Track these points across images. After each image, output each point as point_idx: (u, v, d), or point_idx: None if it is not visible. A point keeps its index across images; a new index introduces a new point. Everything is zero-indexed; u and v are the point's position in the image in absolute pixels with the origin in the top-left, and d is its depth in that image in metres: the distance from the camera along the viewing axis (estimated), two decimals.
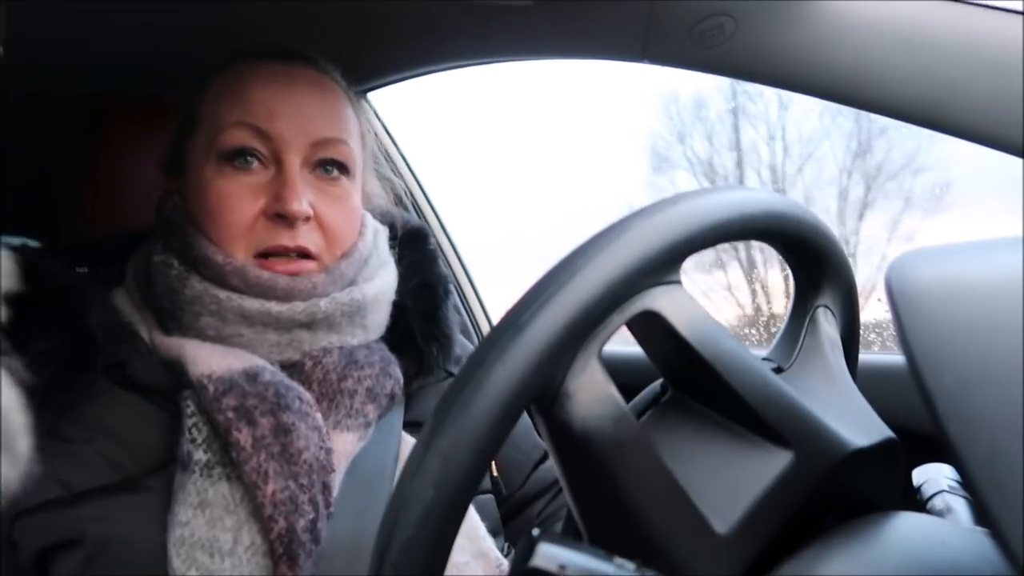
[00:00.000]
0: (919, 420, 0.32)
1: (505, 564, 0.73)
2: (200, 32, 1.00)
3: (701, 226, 0.40)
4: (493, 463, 0.86)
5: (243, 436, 0.66)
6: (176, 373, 0.71)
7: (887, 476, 0.45)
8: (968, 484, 0.27)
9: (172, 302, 0.74)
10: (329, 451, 0.69)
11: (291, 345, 0.74)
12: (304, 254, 0.75)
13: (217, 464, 0.67)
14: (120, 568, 0.64)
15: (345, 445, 0.72)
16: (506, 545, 0.81)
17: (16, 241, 1.05)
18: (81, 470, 0.66)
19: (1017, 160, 0.72)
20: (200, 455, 0.67)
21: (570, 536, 0.43)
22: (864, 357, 0.57)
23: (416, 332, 0.84)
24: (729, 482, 0.40)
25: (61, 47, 1.00)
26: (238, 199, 0.74)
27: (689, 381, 0.44)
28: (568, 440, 0.39)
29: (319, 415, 0.71)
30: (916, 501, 0.52)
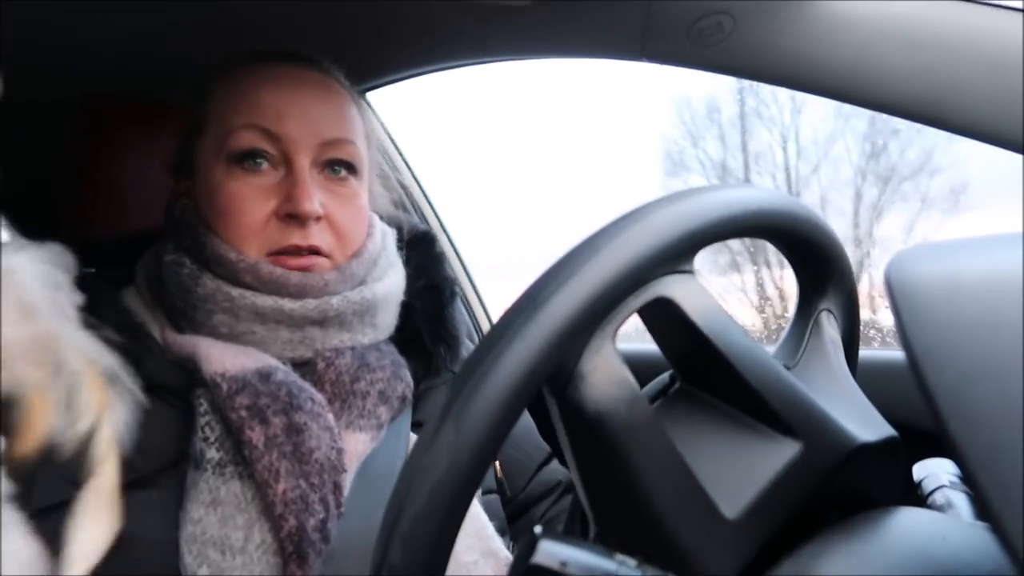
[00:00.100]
0: (919, 416, 0.32)
1: None
2: (199, 33, 1.00)
3: (718, 218, 0.41)
4: (497, 464, 0.86)
5: (255, 435, 0.67)
6: (189, 371, 0.72)
7: (889, 473, 0.46)
8: (969, 479, 0.27)
9: (184, 300, 0.75)
10: (341, 451, 0.70)
11: (303, 343, 0.75)
12: (316, 252, 0.76)
13: (229, 462, 0.67)
14: (132, 565, 0.64)
15: (357, 445, 0.72)
16: (511, 545, 0.81)
17: None
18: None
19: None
20: (213, 453, 0.67)
21: (572, 535, 0.43)
22: (864, 353, 0.57)
23: (424, 333, 0.85)
24: (738, 470, 0.40)
25: (61, 49, 1.00)
26: (249, 200, 0.75)
27: (699, 371, 0.44)
28: (580, 422, 0.40)
29: (331, 415, 0.72)
30: (917, 496, 0.52)
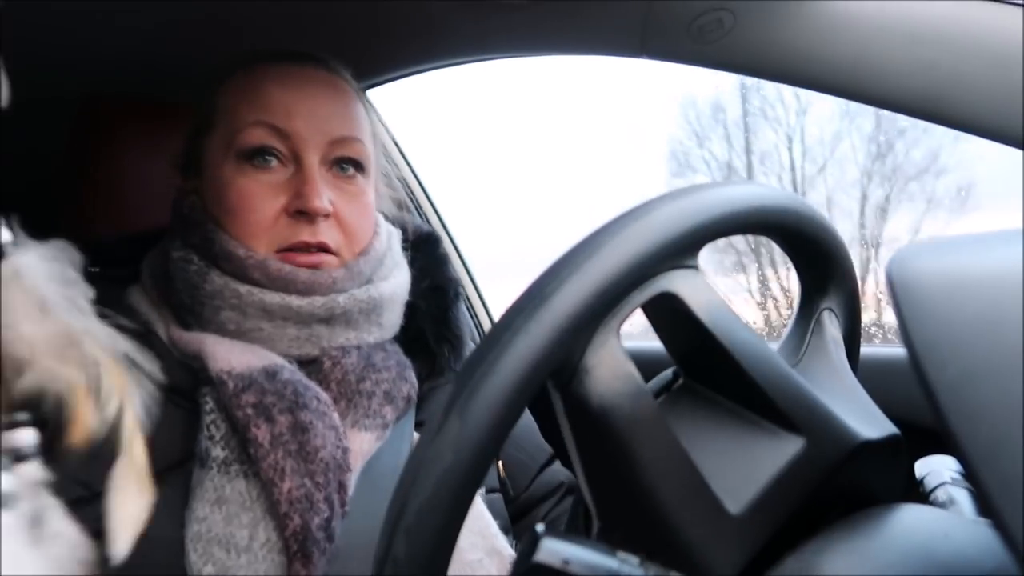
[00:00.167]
0: (921, 412, 0.32)
1: None
2: (199, 32, 1.00)
3: (721, 213, 0.41)
4: (500, 463, 0.86)
5: (261, 433, 0.67)
6: (194, 371, 0.72)
7: (892, 470, 0.46)
8: (971, 476, 0.27)
9: (192, 297, 0.75)
10: (346, 450, 0.70)
11: (310, 340, 0.75)
12: (324, 249, 0.76)
13: (235, 461, 0.68)
14: (138, 564, 0.64)
15: (362, 445, 0.73)
16: (514, 545, 0.81)
17: None
18: (101, 469, 0.67)
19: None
20: (218, 452, 0.68)
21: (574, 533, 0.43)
22: (866, 350, 0.57)
23: (428, 334, 0.85)
24: (742, 465, 0.40)
25: (61, 48, 1.00)
26: (259, 197, 0.75)
27: (702, 366, 0.44)
28: (585, 416, 0.40)
29: (336, 415, 0.72)
30: (919, 493, 0.52)
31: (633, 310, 0.40)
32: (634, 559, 0.35)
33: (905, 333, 0.31)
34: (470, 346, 0.91)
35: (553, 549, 0.34)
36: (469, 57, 1.13)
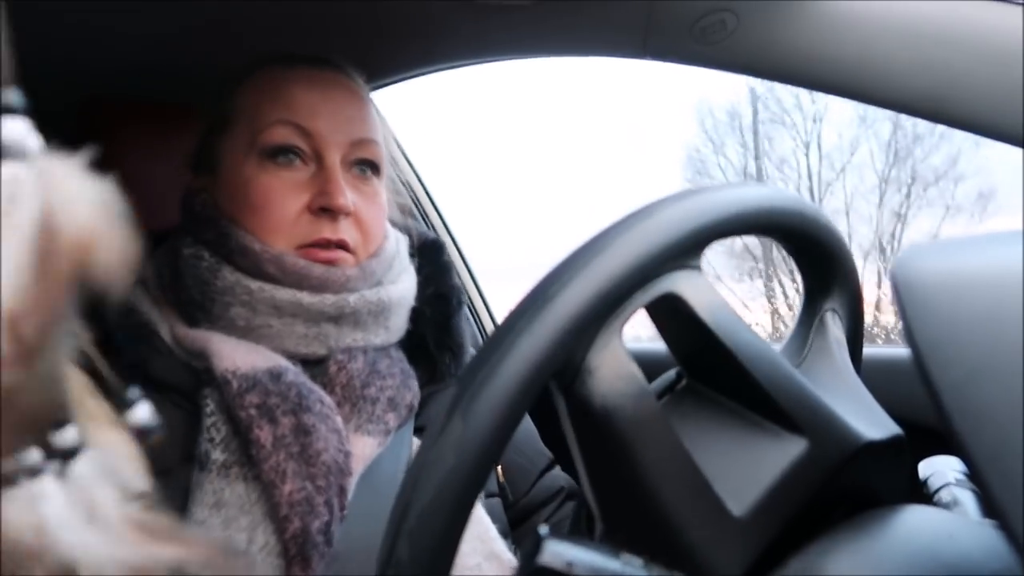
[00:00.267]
0: (925, 413, 0.32)
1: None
2: (200, 35, 1.00)
3: (725, 214, 0.41)
4: (499, 468, 0.86)
5: (264, 434, 0.67)
6: (196, 371, 0.72)
7: (895, 471, 0.45)
8: (975, 476, 0.27)
9: (202, 293, 0.75)
10: (348, 454, 0.70)
11: (317, 339, 0.76)
12: (343, 247, 0.77)
13: (234, 464, 0.68)
14: None
15: (364, 449, 0.73)
16: (513, 549, 0.81)
17: None
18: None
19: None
20: (218, 455, 0.68)
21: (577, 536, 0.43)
22: (869, 350, 0.57)
23: (430, 340, 0.86)
24: (745, 467, 0.40)
25: (61, 52, 1.00)
26: (282, 194, 0.76)
27: (705, 367, 0.44)
28: (587, 417, 0.40)
29: (339, 418, 0.72)
30: (923, 494, 0.52)
31: (636, 310, 0.40)
32: (638, 561, 0.35)
33: (909, 333, 0.31)
34: (471, 353, 0.92)
35: (557, 552, 0.34)
36: (470, 59, 1.13)
